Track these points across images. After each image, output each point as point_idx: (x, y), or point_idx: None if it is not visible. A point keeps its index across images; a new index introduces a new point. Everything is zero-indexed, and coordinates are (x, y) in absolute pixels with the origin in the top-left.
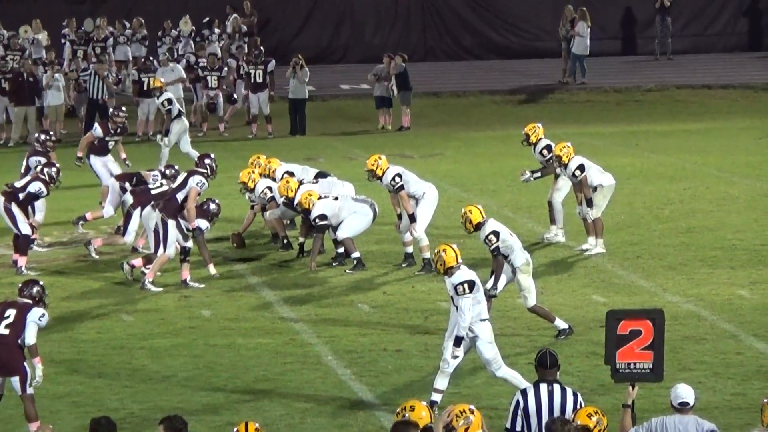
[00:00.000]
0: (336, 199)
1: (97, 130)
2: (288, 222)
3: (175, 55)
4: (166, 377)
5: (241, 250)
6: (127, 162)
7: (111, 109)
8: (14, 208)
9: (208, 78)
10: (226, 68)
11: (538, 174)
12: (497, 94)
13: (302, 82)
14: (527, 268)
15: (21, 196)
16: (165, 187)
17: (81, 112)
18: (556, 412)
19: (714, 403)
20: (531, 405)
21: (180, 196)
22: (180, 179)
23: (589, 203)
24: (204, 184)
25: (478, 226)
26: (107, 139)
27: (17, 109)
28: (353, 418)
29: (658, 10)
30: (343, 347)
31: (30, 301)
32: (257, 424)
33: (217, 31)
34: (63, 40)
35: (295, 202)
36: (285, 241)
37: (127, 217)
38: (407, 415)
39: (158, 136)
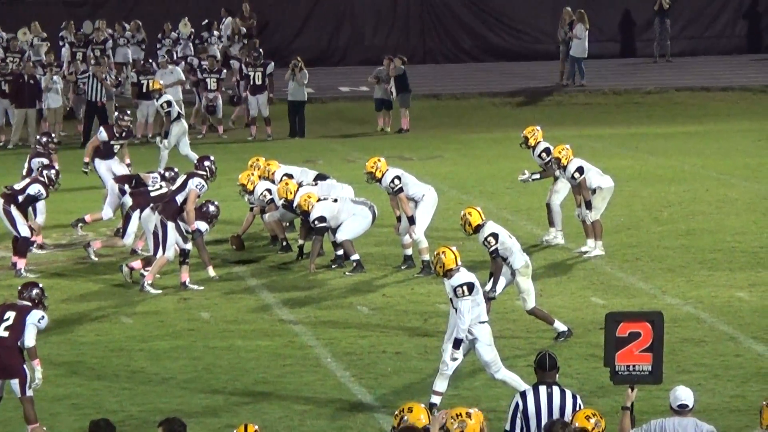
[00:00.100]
0: (335, 201)
1: (102, 133)
2: (287, 224)
3: (175, 57)
4: (166, 379)
5: (241, 252)
6: (129, 168)
7: (116, 113)
8: (13, 210)
9: (208, 80)
10: (225, 71)
11: (537, 176)
12: (496, 96)
13: (301, 84)
14: (526, 271)
15: (20, 198)
16: (164, 190)
17: (80, 115)
18: (556, 415)
19: (713, 406)
20: (530, 407)
21: (179, 199)
22: (179, 181)
23: (588, 205)
24: (203, 186)
25: (478, 228)
26: (112, 142)
27: (17, 111)
28: (352, 420)
29: (657, 12)
30: (343, 349)
31: (29, 304)
32: (256, 426)
33: (216, 33)
34: (61, 43)
35: (295, 204)
36: (284, 243)
37: (126, 219)
38: (405, 417)
39: (157, 139)
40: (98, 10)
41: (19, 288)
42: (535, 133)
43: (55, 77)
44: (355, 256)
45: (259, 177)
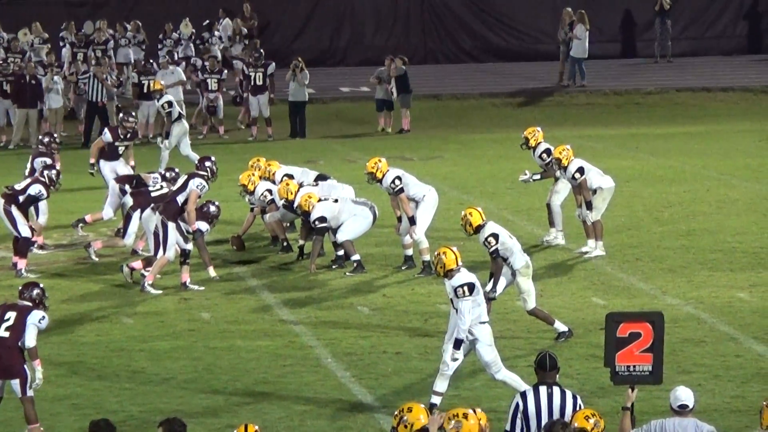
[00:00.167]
0: (336, 201)
1: (107, 135)
2: (288, 225)
3: (176, 58)
4: (166, 380)
5: (241, 252)
6: (134, 169)
7: (121, 114)
8: (14, 210)
9: (209, 81)
10: (226, 71)
11: (538, 176)
12: (497, 96)
13: (302, 84)
14: (527, 271)
15: (21, 198)
16: (165, 190)
17: (80, 115)
18: (556, 415)
19: (713, 406)
20: (530, 407)
21: (180, 199)
22: (180, 182)
23: (589, 206)
24: (204, 186)
25: (478, 229)
26: (117, 144)
27: (19, 111)
28: (353, 421)
29: (657, 12)
30: (343, 350)
31: (30, 304)
32: (257, 427)
33: (216, 33)
34: (62, 43)
35: (295, 205)
36: (285, 243)
37: (127, 219)
38: (405, 417)
39: (158, 139)
40: (99, 11)
41: (20, 288)
42: (536, 134)
43: (55, 78)
44: (356, 257)
45: (260, 177)
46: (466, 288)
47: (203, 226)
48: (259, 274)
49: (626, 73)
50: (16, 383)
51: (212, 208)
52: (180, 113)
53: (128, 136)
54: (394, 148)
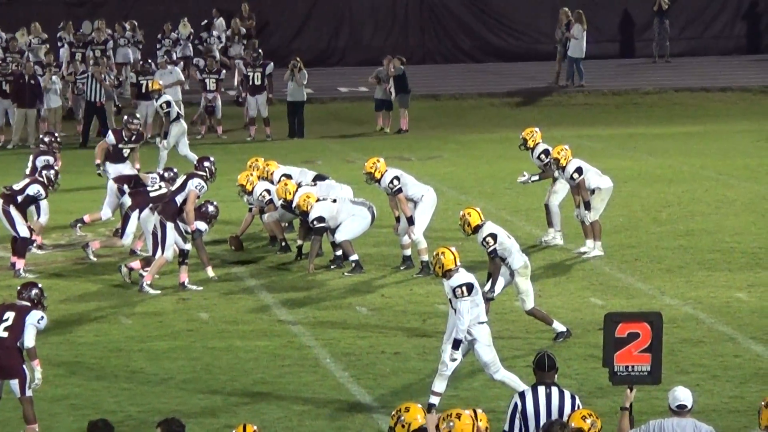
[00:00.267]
0: (334, 201)
1: (110, 137)
2: (286, 225)
3: (174, 58)
4: (164, 380)
5: (239, 252)
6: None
7: (125, 116)
8: (13, 210)
9: (207, 81)
10: (224, 71)
11: (536, 177)
12: (495, 96)
13: (300, 84)
14: (525, 271)
15: (19, 198)
16: (163, 190)
17: (79, 115)
18: (554, 415)
19: (712, 406)
20: (529, 408)
21: (179, 199)
22: (179, 182)
23: (587, 206)
24: (203, 186)
25: (476, 229)
26: (120, 146)
27: (18, 111)
28: (351, 421)
29: (656, 12)
30: (341, 350)
31: (29, 304)
32: (255, 427)
33: (215, 33)
34: (60, 43)
35: (294, 205)
36: (283, 243)
37: (125, 219)
38: (402, 416)
39: (157, 139)
40: (97, 11)
41: (18, 288)
42: (534, 134)
43: (54, 77)
44: (354, 257)
45: (258, 177)
46: (464, 288)
47: (202, 226)
48: (258, 274)
49: (624, 73)
50: (15, 383)
51: (211, 209)
52: (178, 113)
53: (133, 138)
54: (393, 148)
